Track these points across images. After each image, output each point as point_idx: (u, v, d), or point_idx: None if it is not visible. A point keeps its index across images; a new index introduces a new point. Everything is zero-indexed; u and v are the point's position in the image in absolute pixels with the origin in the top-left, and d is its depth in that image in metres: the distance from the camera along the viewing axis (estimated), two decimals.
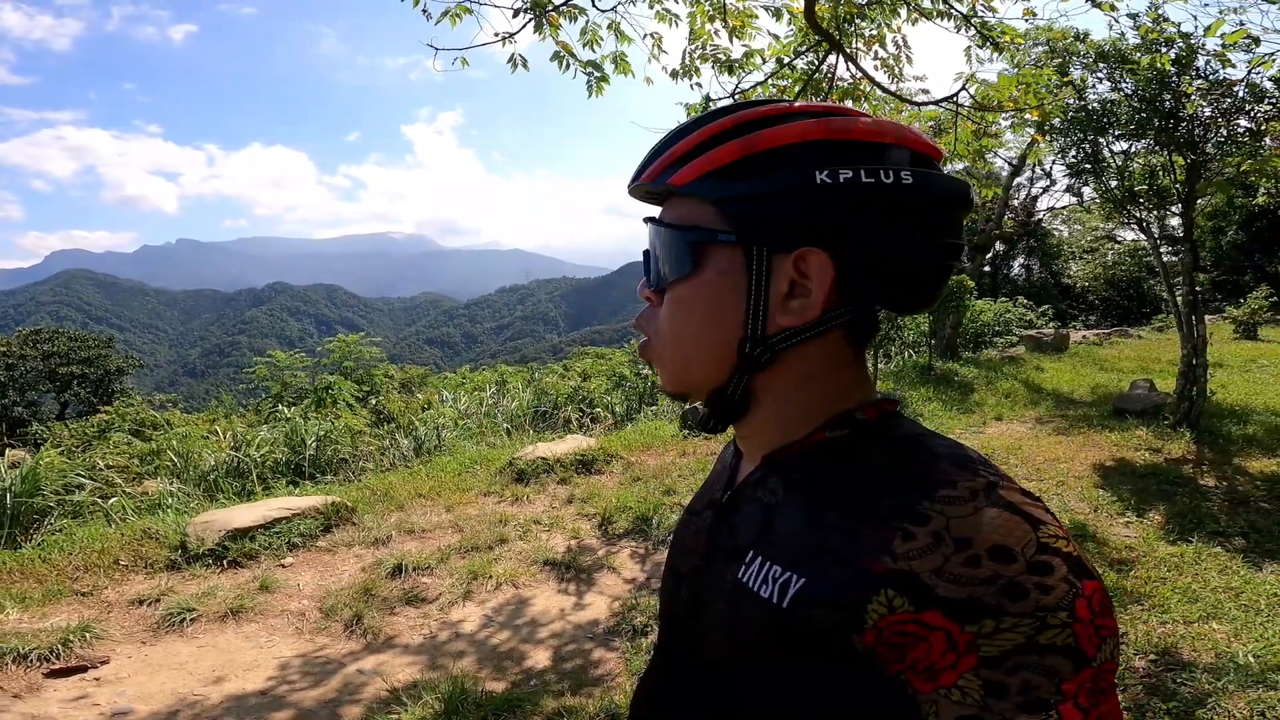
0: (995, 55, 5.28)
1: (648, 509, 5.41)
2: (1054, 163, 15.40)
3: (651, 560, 4.76)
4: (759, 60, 5.38)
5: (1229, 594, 3.79)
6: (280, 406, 11.15)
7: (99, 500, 6.45)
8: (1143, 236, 8.36)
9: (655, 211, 0.68)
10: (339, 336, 14.52)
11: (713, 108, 5.75)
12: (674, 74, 5.54)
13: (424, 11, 4.20)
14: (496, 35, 4.41)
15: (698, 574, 0.65)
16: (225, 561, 4.53)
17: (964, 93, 5.25)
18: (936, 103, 5.43)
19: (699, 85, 5.49)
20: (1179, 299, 7.01)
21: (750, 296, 0.58)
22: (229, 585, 4.25)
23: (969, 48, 5.17)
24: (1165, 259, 8.91)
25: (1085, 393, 9.92)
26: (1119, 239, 25.72)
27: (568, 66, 4.80)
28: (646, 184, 0.65)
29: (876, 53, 5.45)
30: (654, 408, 11.03)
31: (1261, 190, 9.02)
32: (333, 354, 13.99)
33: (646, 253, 0.68)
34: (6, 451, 8.66)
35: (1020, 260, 30.95)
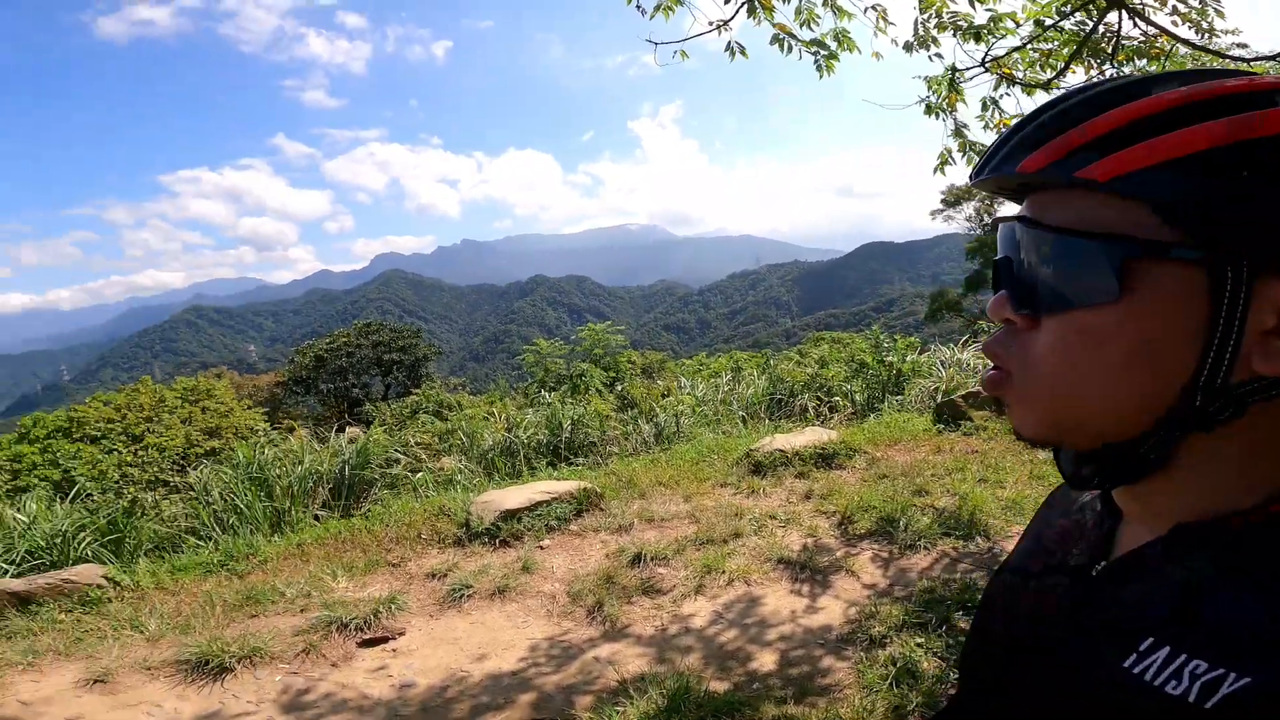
0: None
1: (894, 510, 5.01)
2: None
3: (896, 566, 4.41)
4: (1011, 24, 4.58)
5: None
6: (543, 391, 12.52)
7: (408, 475, 7.76)
8: None
9: (1007, 207, 0.56)
10: (589, 325, 15.81)
11: (963, 78, 5.06)
12: (907, 46, 4.96)
13: (638, 8, 4.25)
14: (711, 24, 4.33)
15: (1040, 651, 0.55)
16: (497, 541, 5.14)
17: None
18: (1273, 57, 4.17)
19: (939, 56, 4.85)
20: None
21: (1214, 332, 0.45)
22: (498, 564, 4.80)
23: None
24: None
25: None
26: None
27: (790, 49, 4.55)
28: (1030, 173, 0.50)
29: (1174, 6, 4.31)
30: (899, 397, 10.23)
31: None
32: (584, 342, 15.29)
33: (1003, 261, 0.55)
34: (347, 429, 10.89)
35: None
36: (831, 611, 3.96)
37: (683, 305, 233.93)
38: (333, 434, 9.13)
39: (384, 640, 3.94)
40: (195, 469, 8.31)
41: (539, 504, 5.44)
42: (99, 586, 4.38)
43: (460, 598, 4.39)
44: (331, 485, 7.36)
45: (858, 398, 10.54)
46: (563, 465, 7.71)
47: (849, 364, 12.06)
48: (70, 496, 6.80)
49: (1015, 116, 4.74)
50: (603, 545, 5.07)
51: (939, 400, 8.82)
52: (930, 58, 4.79)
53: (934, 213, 37.53)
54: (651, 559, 4.65)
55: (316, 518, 6.73)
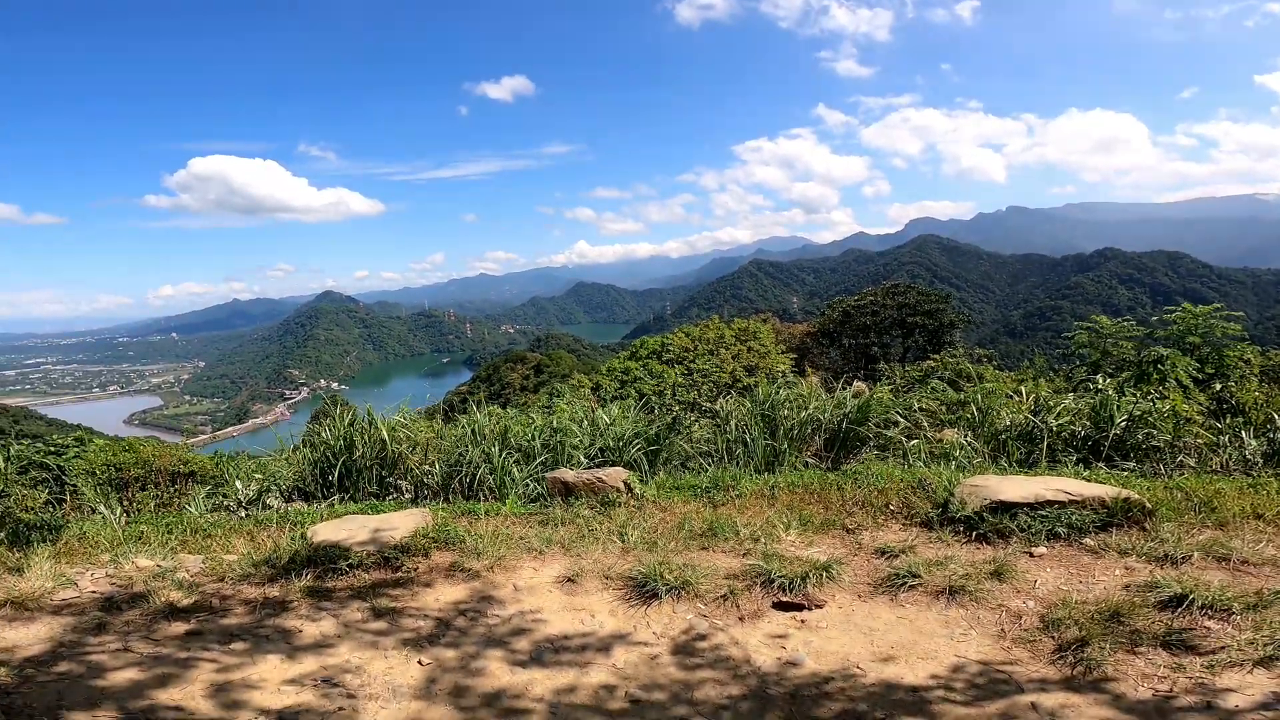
0: None
1: None
2: None
3: None
4: None
5: None
6: (1095, 376, 10.30)
7: (902, 439, 7.39)
8: None
9: None
10: (1184, 306, 12.26)
11: None
12: None
13: None
14: None
15: None
16: (975, 533, 4.44)
17: None
18: None
19: None
20: None
21: None
22: (964, 559, 4.14)
23: None
24: None
25: None
26: None
27: None
28: None
29: None
30: None
31: None
32: (1173, 325, 11.94)
33: None
34: (854, 383, 11.10)
35: None
36: None
37: None
38: (838, 386, 9.39)
39: (799, 608, 3.80)
40: (724, 398, 9.76)
41: (1049, 503, 4.47)
42: (618, 490, 5.51)
43: (900, 585, 3.94)
44: (828, 435, 7.68)
45: None
46: (1098, 466, 6.22)
47: None
48: (639, 407, 8.72)
49: None
50: (1126, 573, 3.95)
51: None
52: None
53: None
54: (1201, 606, 3.41)
55: (807, 463, 7.10)
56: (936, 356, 19.59)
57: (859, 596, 3.91)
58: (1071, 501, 4.51)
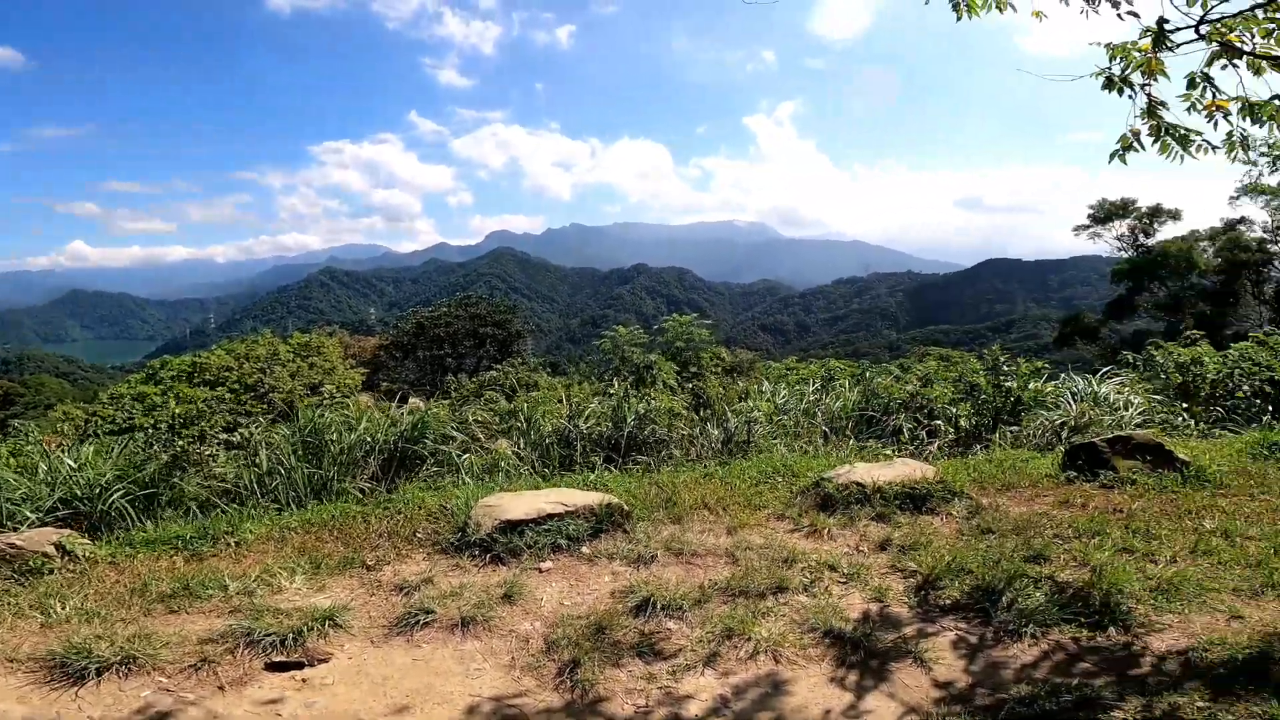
0: None
1: (997, 577, 3.85)
2: None
3: (986, 657, 3.29)
4: None
5: None
6: (614, 381, 11.85)
7: (457, 454, 7.20)
8: None
9: None
10: (673, 316, 14.99)
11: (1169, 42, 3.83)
12: None
13: None
14: None
15: None
16: (489, 555, 4.37)
17: None
18: None
19: (1133, 14, 3.81)
20: None
21: None
22: (479, 585, 4.03)
23: None
24: None
25: None
26: None
27: None
28: None
29: None
30: (1014, 429, 8.74)
31: None
32: (667, 333, 14.48)
33: None
34: (409, 399, 10.63)
35: None
36: (880, 718, 2.93)
37: (783, 306, 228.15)
38: (393, 404, 8.84)
39: (297, 666, 3.29)
40: (250, 426, 8.21)
41: (550, 517, 4.64)
42: (46, 555, 4.04)
43: (415, 624, 3.65)
44: (385, 456, 6.99)
45: (963, 423, 9.15)
46: (609, 471, 6.97)
47: (957, 385, 10.58)
48: (123, 446, 6.71)
49: (1236, 99, 3.63)
50: (612, 579, 4.20)
51: (1067, 439, 7.33)
52: (1121, 15, 3.86)
53: (1078, 229, 34.04)
54: (662, 608, 3.72)
55: (363, 490, 6.38)
56: (499, 367, 20.47)
57: (373, 642, 3.55)
58: (569, 512, 4.69)
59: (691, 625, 3.64)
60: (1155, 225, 32.01)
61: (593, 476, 5.92)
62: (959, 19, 4.10)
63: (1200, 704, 2.78)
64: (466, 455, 7.25)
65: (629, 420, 8.07)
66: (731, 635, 3.50)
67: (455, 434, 7.75)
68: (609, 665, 3.32)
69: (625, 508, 4.90)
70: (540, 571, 4.26)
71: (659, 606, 3.73)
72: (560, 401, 9.46)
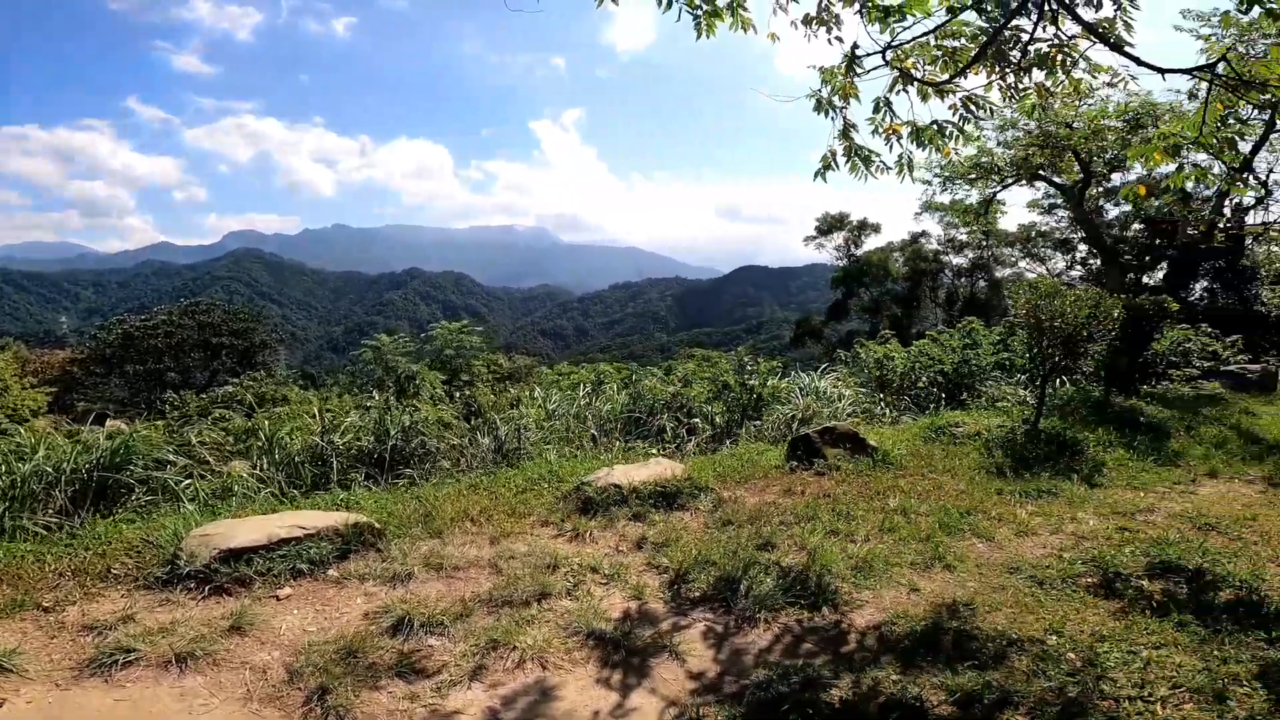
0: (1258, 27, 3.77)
1: (735, 567, 4.24)
2: (1271, 169, 12.47)
3: (731, 645, 3.60)
4: (930, 6, 4.07)
5: None
6: (375, 393, 10.98)
7: (178, 480, 6.21)
8: None
9: None
10: (441, 324, 14.33)
11: (859, 69, 4.48)
12: (806, 20, 4.37)
13: None
14: None
15: None
16: (211, 587, 3.86)
17: (1221, 63, 3.82)
18: (1189, 71, 3.96)
19: (839, 40, 4.30)
20: None
21: None
22: (198, 619, 3.56)
23: (1228, 13, 3.75)
24: None
25: None
26: None
27: (669, 5, 4.00)
28: None
29: (1099, 2, 4.00)
30: (757, 423, 9.79)
31: None
32: (435, 340, 13.79)
33: None
34: (107, 421, 8.82)
35: (1204, 282, 26.43)
36: (645, 717, 3.06)
37: (562, 311, 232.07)
38: (86, 426, 7.41)
39: None
40: None
41: (285, 542, 4.19)
42: None
43: (113, 663, 3.13)
44: (78, 488, 5.93)
45: (718, 420, 10.02)
46: (379, 481, 6.56)
47: (713, 384, 11.58)
48: None
49: (907, 123, 4.28)
50: (365, 600, 3.91)
51: (796, 430, 8.37)
52: (830, 40, 4.30)
53: (807, 239, 39.05)
54: (421, 626, 3.56)
55: (49, 526, 5.29)
56: (236, 381, 17.85)
57: (59, 685, 3.09)
58: (308, 535, 4.34)
59: (455, 640, 3.52)
60: (863, 237, 37.85)
61: (343, 496, 5.46)
62: (699, 37, 4.25)
63: (895, 677, 3.21)
64: (189, 481, 6.31)
65: (393, 433, 7.62)
66: (497, 646, 3.45)
67: (174, 458, 6.78)
68: (366, 689, 3.10)
69: (377, 526, 4.61)
70: (278, 599, 3.86)
71: (418, 624, 3.57)
72: (314, 416, 8.62)
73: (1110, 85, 4.43)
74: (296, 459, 6.98)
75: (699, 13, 3.97)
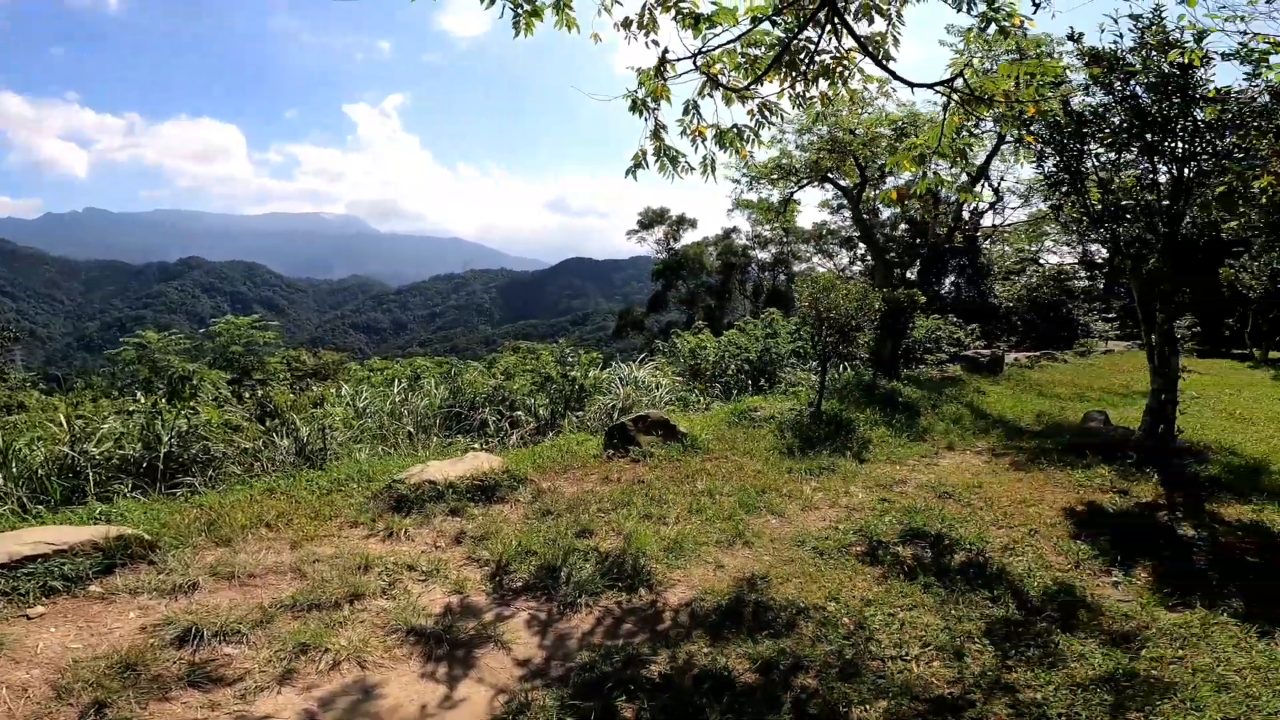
0: (993, 45, 4.60)
1: (556, 555, 4.36)
2: (1001, 178, 15.17)
3: (555, 631, 3.70)
4: (738, 15, 4.42)
5: (1257, 676, 3.24)
6: (140, 395, 9.59)
7: None
8: (1084, 259, 7.85)
9: None
10: (227, 318, 12.84)
11: (672, 72, 4.73)
12: (625, 23, 4.56)
13: None
14: None
15: None
16: None
17: (959, 79, 4.54)
18: (932, 85, 4.66)
19: (655, 43, 4.53)
20: (1157, 329, 6.49)
21: None
22: None
23: (971, 29, 4.51)
24: (1097, 283, 8.48)
25: (1031, 420, 9.49)
26: (1044, 262, 26.30)
27: (491, 1, 3.96)
28: None
29: (871, 17, 4.61)
30: (580, 413, 9.98)
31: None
32: (219, 337, 12.31)
33: None
34: None
35: (952, 277, 31.41)
36: (474, 705, 3.08)
37: (377, 304, 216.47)
38: None
39: None
40: None
41: (30, 559, 3.74)
42: None
43: None
44: None
45: (541, 412, 10.06)
46: (151, 491, 5.83)
47: (535, 376, 11.61)
48: None
49: (712, 125, 4.57)
50: (141, 614, 3.54)
51: (617, 419, 8.68)
52: (647, 44, 4.47)
53: (630, 233, 40.20)
54: (214, 635, 3.30)
55: None
56: None
57: None
58: (59, 552, 3.86)
59: (257, 647, 3.31)
60: (681, 231, 39.74)
61: (102, 509, 4.78)
62: (516, 35, 4.25)
63: (706, 650, 3.48)
64: None
65: (165, 439, 6.79)
66: (307, 649, 3.29)
67: None
68: (154, 700, 2.88)
69: (147, 538, 4.15)
70: (29, 618, 3.43)
71: (209, 634, 3.31)
72: (60, 425, 7.45)
73: (886, 95, 5.11)
74: (40, 472, 6.11)
75: (519, 11, 3.97)
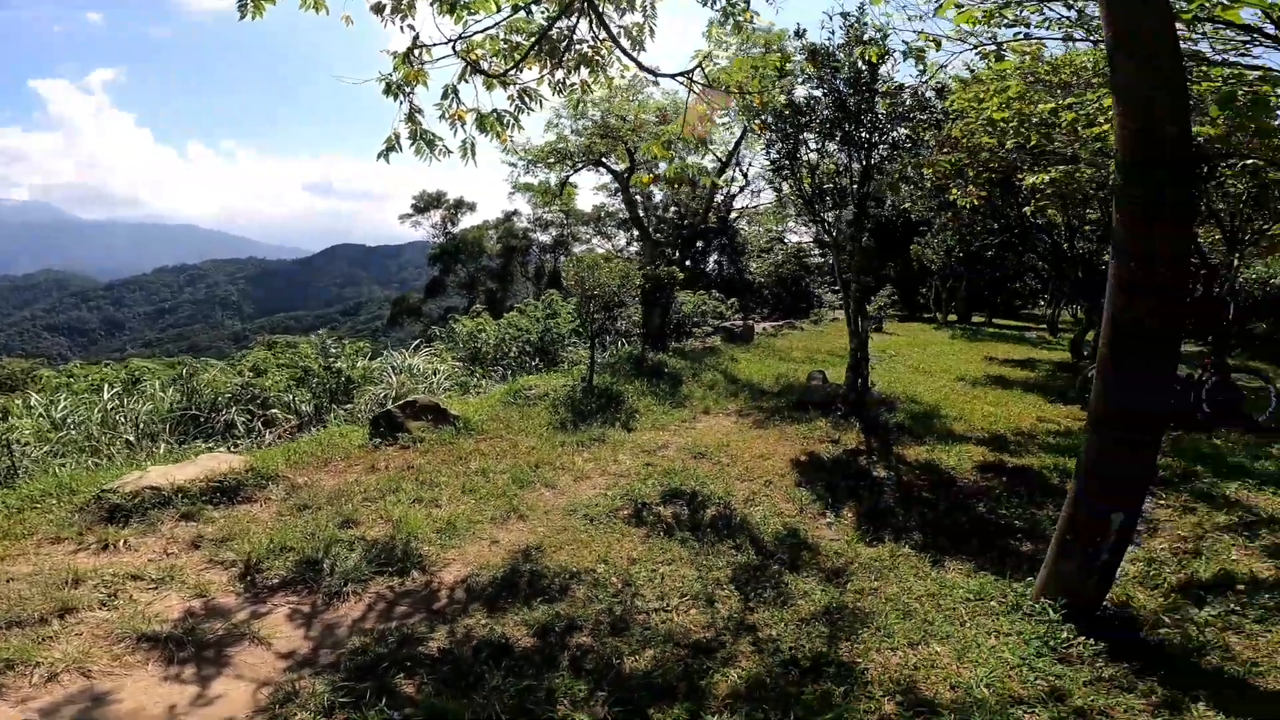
0: (732, 37, 5.16)
1: (316, 548, 4.15)
2: (750, 163, 16.92)
3: (321, 621, 3.55)
4: (499, 1, 4.46)
5: (931, 602, 3.81)
6: None
7: None
8: (817, 238, 9.27)
9: None
10: None
11: (423, 58, 4.61)
12: (378, 8, 4.42)
13: None
14: None
15: None
16: None
17: (699, 70, 5.03)
18: (673, 76, 5.11)
19: (411, 27, 4.46)
20: (852, 297, 7.86)
21: None
22: None
23: (711, 24, 5.02)
24: (828, 259, 10.09)
25: (772, 382, 10.85)
26: (787, 241, 30.01)
27: None
28: None
29: (625, 11, 4.91)
30: (349, 406, 9.35)
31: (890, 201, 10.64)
32: None
33: None
34: None
35: (715, 256, 34.42)
36: (233, 700, 2.89)
37: (80, 301, 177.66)
38: None
39: None
40: None
41: None
42: None
43: None
44: None
45: (303, 408, 9.26)
46: None
47: (293, 370, 10.59)
48: None
49: (472, 110, 4.56)
50: None
51: (380, 408, 8.29)
52: (402, 28, 4.37)
53: (403, 217, 37.84)
54: None
55: None
56: None
57: None
58: None
59: None
60: (459, 215, 38.36)
61: None
62: (241, 18, 3.98)
63: (483, 621, 3.54)
64: None
65: None
66: (14, 666, 2.92)
67: None
68: None
69: None
70: None
71: None
72: None
73: (655, 84, 5.48)
74: None
75: None
